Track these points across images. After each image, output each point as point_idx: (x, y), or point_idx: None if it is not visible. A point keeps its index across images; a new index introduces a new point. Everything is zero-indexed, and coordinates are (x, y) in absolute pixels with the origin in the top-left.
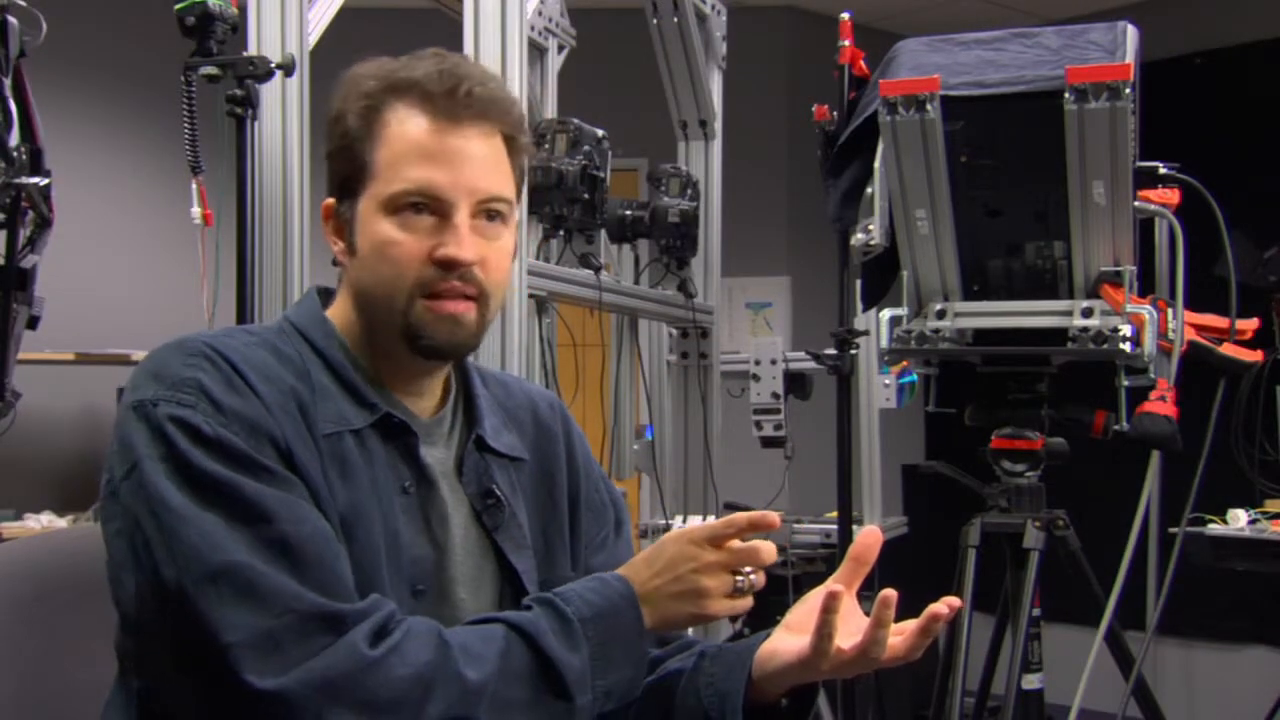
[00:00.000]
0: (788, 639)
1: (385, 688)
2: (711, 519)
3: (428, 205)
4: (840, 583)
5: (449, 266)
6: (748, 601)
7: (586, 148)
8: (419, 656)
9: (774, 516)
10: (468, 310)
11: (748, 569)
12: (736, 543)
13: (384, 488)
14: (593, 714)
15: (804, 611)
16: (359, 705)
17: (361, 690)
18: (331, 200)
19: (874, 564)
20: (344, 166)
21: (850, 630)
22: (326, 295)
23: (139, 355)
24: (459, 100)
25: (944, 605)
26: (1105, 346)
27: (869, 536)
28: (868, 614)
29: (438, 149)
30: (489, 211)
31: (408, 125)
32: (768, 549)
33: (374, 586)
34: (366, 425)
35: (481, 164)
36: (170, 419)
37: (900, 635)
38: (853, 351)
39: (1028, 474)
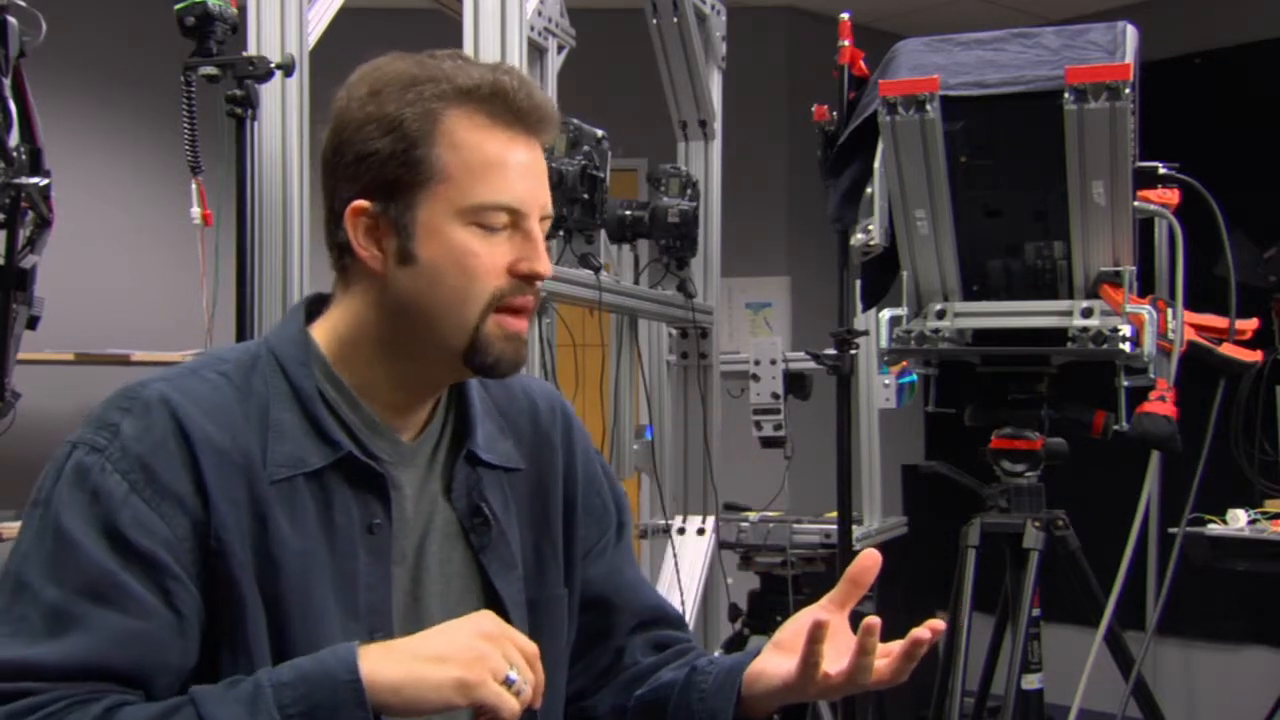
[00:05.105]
0: (776, 660)
1: None
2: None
3: (506, 218)
4: (834, 602)
5: (531, 280)
6: (510, 702)
7: (586, 148)
8: None
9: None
10: (527, 329)
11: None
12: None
13: (342, 530)
14: None
15: (793, 631)
16: None
17: None
18: (365, 203)
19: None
20: (396, 169)
21: (838, 649)
22: (322, 303)
23: (139, 355)
24: (534, 113)
25: (926, 629)
26: (1105, 346)
27: (868, 559)
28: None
29: (519, 161)
30: (541, 224)
31: (485, 134)
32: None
33: (319, 638)
34: (327, 464)
35: (544, 176)
36: (72, 461)
37: (886, 658)
38: (852, 351)
39: (1027, 474)
